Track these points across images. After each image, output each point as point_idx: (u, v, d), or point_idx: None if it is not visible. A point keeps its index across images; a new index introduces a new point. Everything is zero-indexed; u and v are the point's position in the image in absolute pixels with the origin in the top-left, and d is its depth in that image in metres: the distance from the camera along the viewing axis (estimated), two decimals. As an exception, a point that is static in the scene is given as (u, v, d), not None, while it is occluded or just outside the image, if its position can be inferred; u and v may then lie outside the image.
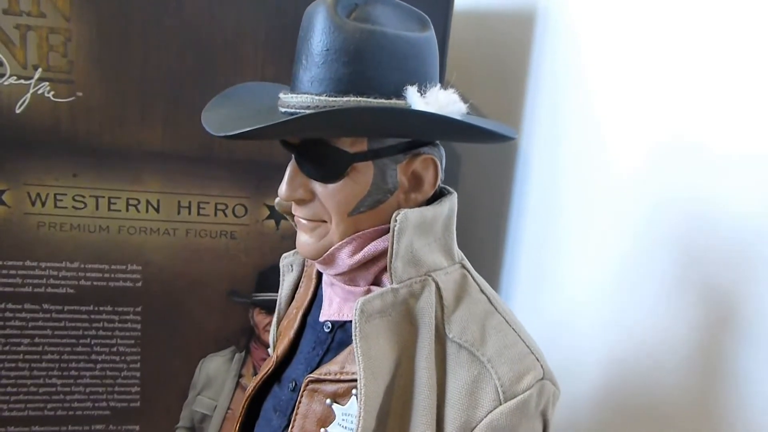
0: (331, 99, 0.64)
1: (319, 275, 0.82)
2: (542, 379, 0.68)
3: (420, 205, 0.72)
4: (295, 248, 0.84)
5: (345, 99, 0.64)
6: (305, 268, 0.85)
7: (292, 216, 0.80)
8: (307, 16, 0.66)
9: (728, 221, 0.88)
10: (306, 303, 0.81)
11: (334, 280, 0.75)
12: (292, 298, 0.86)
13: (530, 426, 0.68)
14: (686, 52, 0.94)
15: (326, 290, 0.77)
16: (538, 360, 0.69)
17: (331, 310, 0.76)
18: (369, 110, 0.63)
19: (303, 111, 0.65)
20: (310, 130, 0.65)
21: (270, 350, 0.90)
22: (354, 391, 0.69)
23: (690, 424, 0.94)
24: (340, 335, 0.75)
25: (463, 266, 0.75)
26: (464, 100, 0.69)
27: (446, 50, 1.23)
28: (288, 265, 0.86)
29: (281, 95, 0.69)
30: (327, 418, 0.71)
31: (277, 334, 0.86)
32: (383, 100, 0.65)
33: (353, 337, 0.65)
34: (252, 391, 0.82)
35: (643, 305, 1.03)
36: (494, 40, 1.51)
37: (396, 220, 0.66)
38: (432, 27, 0.71)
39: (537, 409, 0.68)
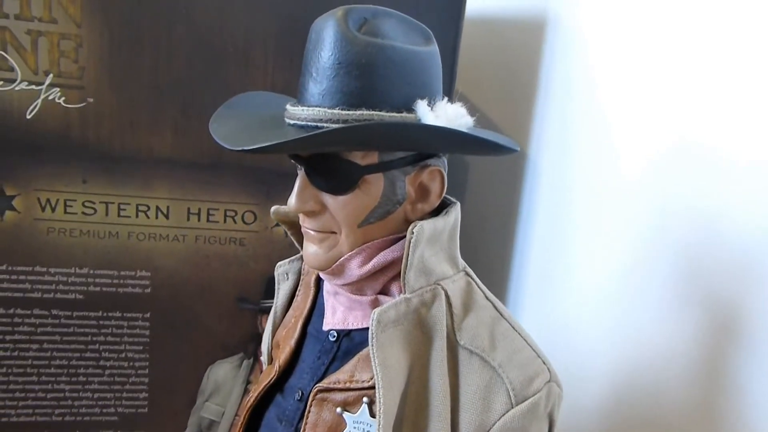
0: (344, 112, 0.64)
1: (318, 284, 0.83)
2: (549, 381, 0.70)
3: (425, 215, 0.73)
4: (290, 257, 0.86)
5: (358, 113, 0.64)
6: (302, 277, 0.85)
7: (289, 225, 0.81)
8: (316, 29, 0.66)
9: (734, 231, 0.88)
10: (305, 312, 0.81)
11: (339, 289, 0.75)
12: (287, 307, 0.86)
13: (539, 427, 0.70)
14: (697, 59, 0.94)
15: (328, 299, 0.77)
16: (544, 363, 0.72)
17: (335, 319, 0.76)
18: (393, 125, 0.64)
19: (315, 124, 0.65)
20: (333, 144, 0.65)
21: (263, 359, 0.90)
22: (365, 399, 0.70)
23: (692, 429, 0.94)
24: (346, 344, 0.75)
25: (467, 274, 0.77)
26: (471, 113, 0.70)
27: (457, 57, 1.23)
28: (283, 273, 0.86)
29: (289, 107, 0.68)
30: (338, 427, 0.71)
31: (273, 344, 0.86)
32: (394, 114, 0.65)
33: (370, 348, 0.66)
34: (254, 401, 0.82)
35: (648, 312, 1.03)
36: (504, 46, 1.50)
37: (413, 233, 0.67)
38: (435, 41, 0.71)
39: (545, 411, 0.70)
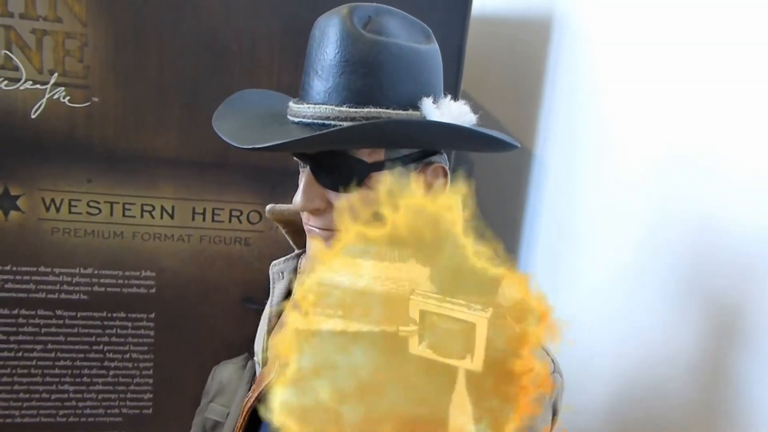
0: (351, 110, 0.64)
1: None
2: (554, 372, 0.72)
3: None
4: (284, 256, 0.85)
5: (365, 110, 0.64)
6: (298, 275, 0.85)
7: (285, 224, 0.81)
8: (320, 26, 0.66)
9: (737, 230, 0.88)
10: None
11: None
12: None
13: (544, 416, 0.71)
14: (702, 58, 0.93)
15: None
16: (548, 354, 0.73)
17: None
18: (405, 123, 0.65)
19: (322, 122, 0.65)
20: (344, 142, 0.65)
21: (257, 359, 0.89)
22: None
23: (695, 427, 0.94)
24: None
25: None
26: (476, 111, 0.70)
27: (463, 56, 1.22)
28: (278, 272, 0.86)
29: (292, 105, 0.68)
30: None
31: (268, 343, 0.85)
32: (400, 111, 0.66)
33: None
34: (253, 401, 0.81)
35: (652, 310, 1.02)
36: (511, 45, 1.50)
37: None
38: (435, 39, 0.71)
39: (550, 401, 0.72)
